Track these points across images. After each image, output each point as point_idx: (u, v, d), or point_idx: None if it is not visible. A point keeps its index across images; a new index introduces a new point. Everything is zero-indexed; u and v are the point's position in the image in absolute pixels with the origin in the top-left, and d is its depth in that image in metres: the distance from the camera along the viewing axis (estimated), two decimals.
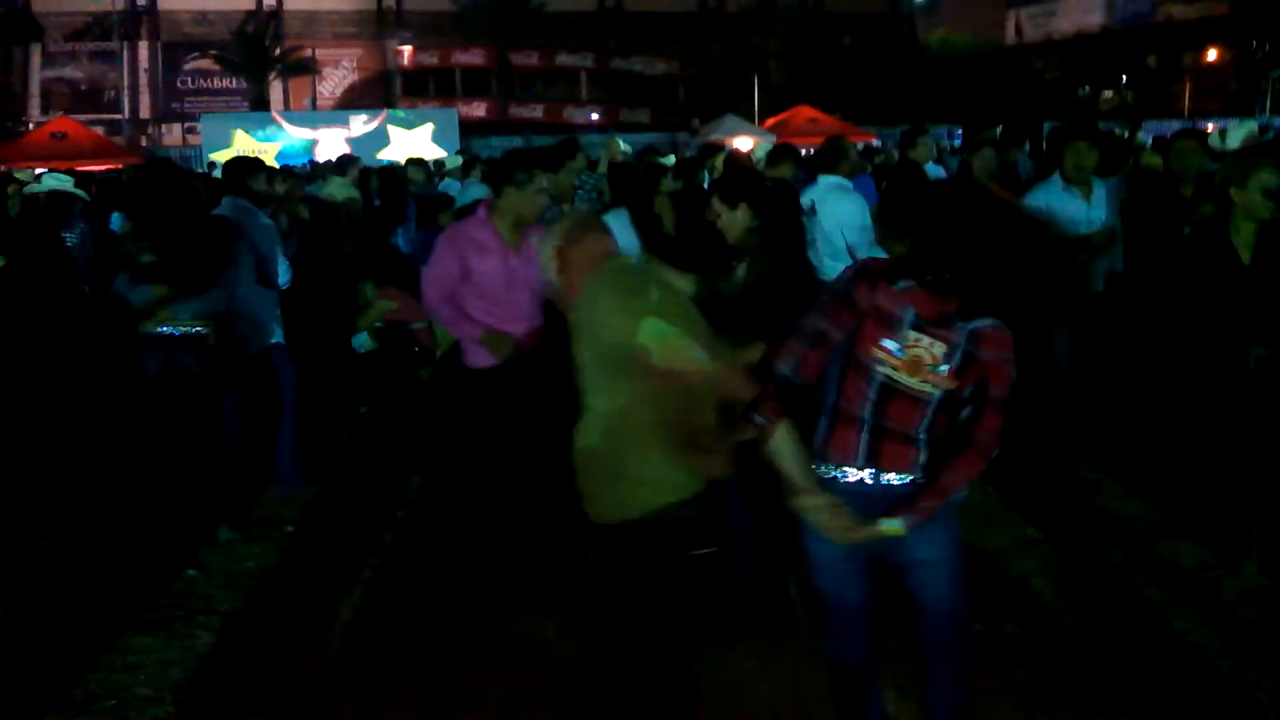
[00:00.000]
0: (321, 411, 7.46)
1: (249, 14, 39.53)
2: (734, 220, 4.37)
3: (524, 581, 5.07)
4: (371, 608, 4.92)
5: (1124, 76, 39.82)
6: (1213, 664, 4.18)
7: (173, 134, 38.47)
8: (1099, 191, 5.87)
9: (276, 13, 40.48)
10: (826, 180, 6.50)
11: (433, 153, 23.82)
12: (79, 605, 4.92)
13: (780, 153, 7.14)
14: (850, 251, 6.24)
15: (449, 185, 11.66)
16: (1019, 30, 44.02)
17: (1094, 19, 40.48)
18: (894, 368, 2.98)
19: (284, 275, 6.45)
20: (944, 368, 2.96)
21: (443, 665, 4.34)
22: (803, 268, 5.05)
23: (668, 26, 44.23)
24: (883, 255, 6.19)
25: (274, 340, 6.38)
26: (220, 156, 25.34)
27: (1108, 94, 40.17)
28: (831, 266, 6.12)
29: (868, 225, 6.26)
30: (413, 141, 28.79)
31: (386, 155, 26.97)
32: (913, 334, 2.95)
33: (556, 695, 4.03)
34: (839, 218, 6.29)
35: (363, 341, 7.89)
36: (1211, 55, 36.23)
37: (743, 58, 41.70)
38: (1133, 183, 6.81)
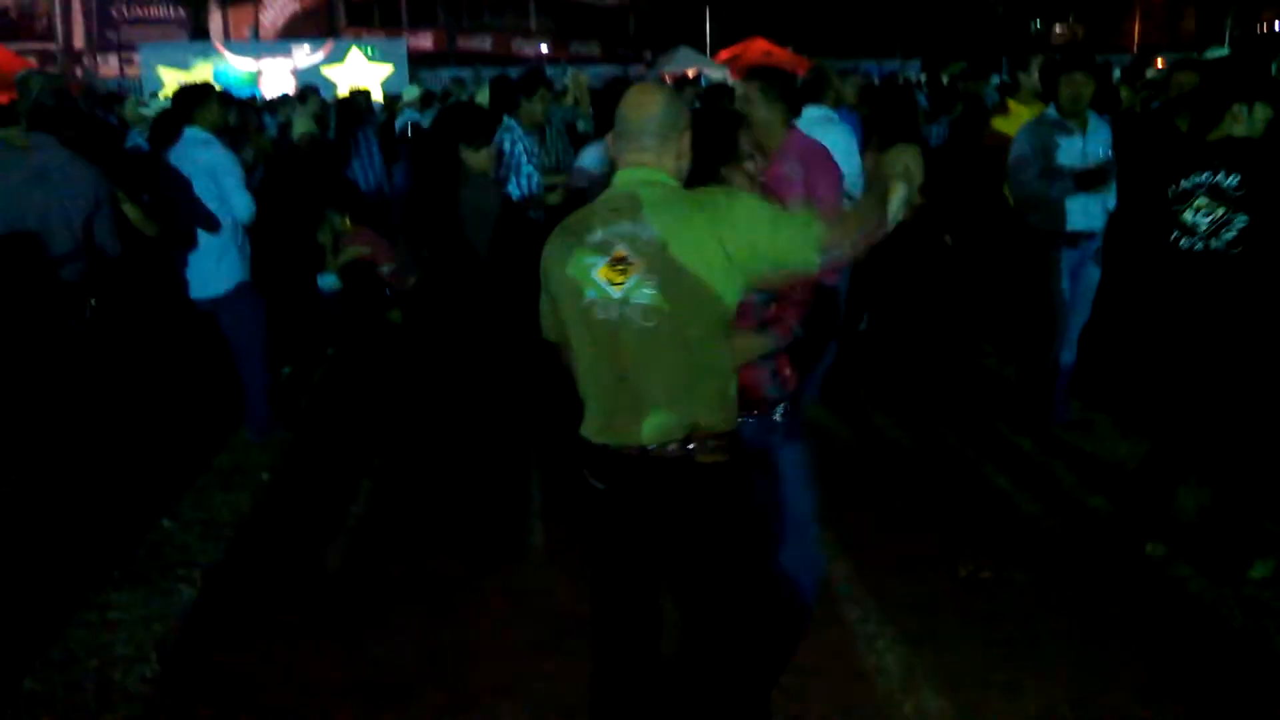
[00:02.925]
0: (288, 353, 7.25)
1: None
2: None
3: (513, 529, 4.97)
4: (357, 557, 4.77)
5: (1072, 11, 39.81)
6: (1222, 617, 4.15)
7: (109, 64, 37.20)
8: (1094, 125, 5.75)
9: None
10: (811, 112, 6.31)
11: (370, 82, 23.21)
12: (50, 560, 4.71)
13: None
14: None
15: (409, 116, 11.33)
16: None
17: None
18: None
19: (247, 210, 6.11)
20: None
21: (434, 617, 4.22)
22: None
23: None
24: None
25: (236, 281, 6.11)
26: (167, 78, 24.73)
27: (1059, 28, 40.11)
28: None
29: (855, 156, 6.10)
30: (368, 74, 28.03)
31: (340, 78, 26.38)
32: None
33: (553, 646, 3.92)
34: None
35: (330, 283, 7.64)
36: None
37: None
38: (1120, 118, 6.69)
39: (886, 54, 30.95)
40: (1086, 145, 5.66)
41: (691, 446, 2.60)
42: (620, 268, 2.54)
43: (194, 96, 6.29)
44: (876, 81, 13.03)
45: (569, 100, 9.11)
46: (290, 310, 7.19)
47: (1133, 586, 4.30)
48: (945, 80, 13.60)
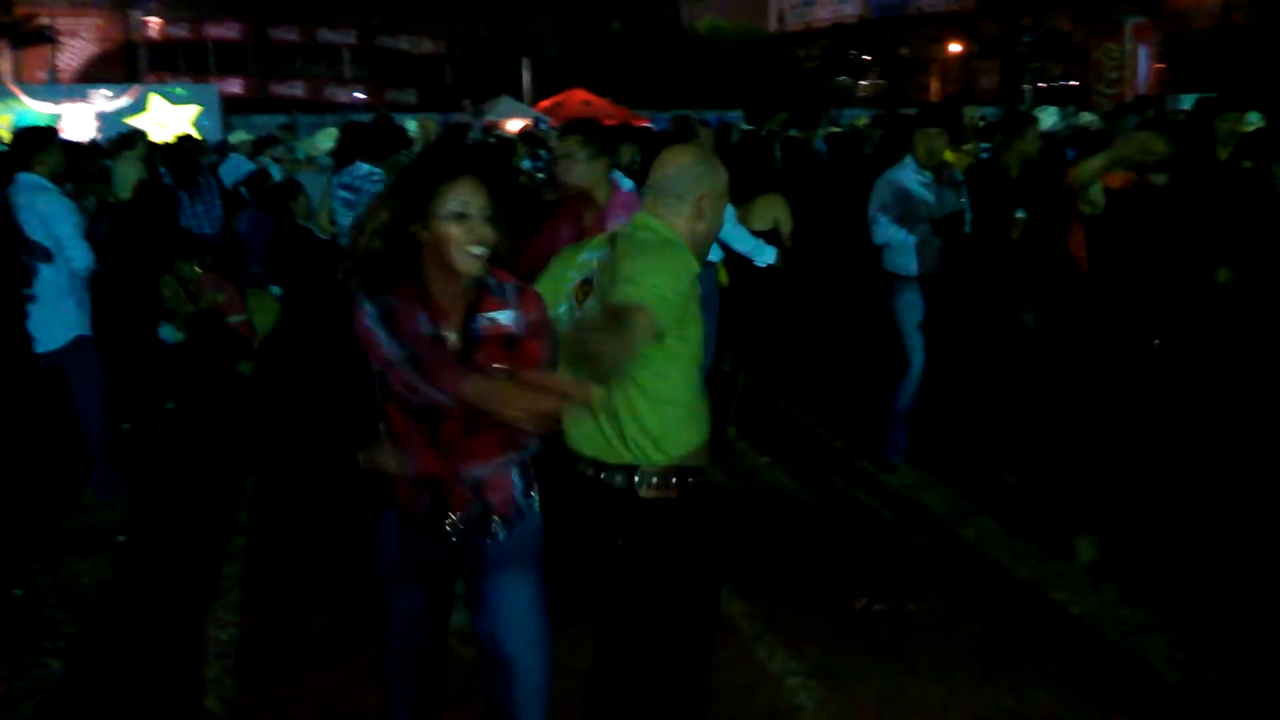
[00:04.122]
0: (129, 408, 6.88)
1: None
2: None
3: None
4: (236, 619, 4.53)
5: (877, 66, 41.69)
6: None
7: None
8: (949, 176, 6.03)
9: None
10: None
11: (183, 128, 22.42)
12: None
13: (623, 135, 7.03)
14: None
15: (238, 162, 11.00)
16: (781, 18, 45.39)
17: (851, 9, 42.14)
18: None
19: (85, 259, 5.79)
20: None
21: (335, 679, 4.03)
22: None
23: (433, 5, 43.24)
24: (746, 236, 6.21)
25: (75, 333, 5.79)
26: None
27: (864, 82, 41.92)
28: None
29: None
30: (174, 117, 27.03)
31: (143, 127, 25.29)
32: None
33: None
34: None
35: (172, 334, 7.30)
36: (956, 48, 38.36)
37: (510, 39, 41.26)
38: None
39: (703, 105, 31.71)
40: (943, 195, 5.93)
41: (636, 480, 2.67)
42: (585, 288, 2.73)
43: (34, 140, 5.97)
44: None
45: (418, 148, 9.01)
46: (130, 363, 6.85)
47: (1013, 607, 4.48)
48: (764, 131, 14.00)
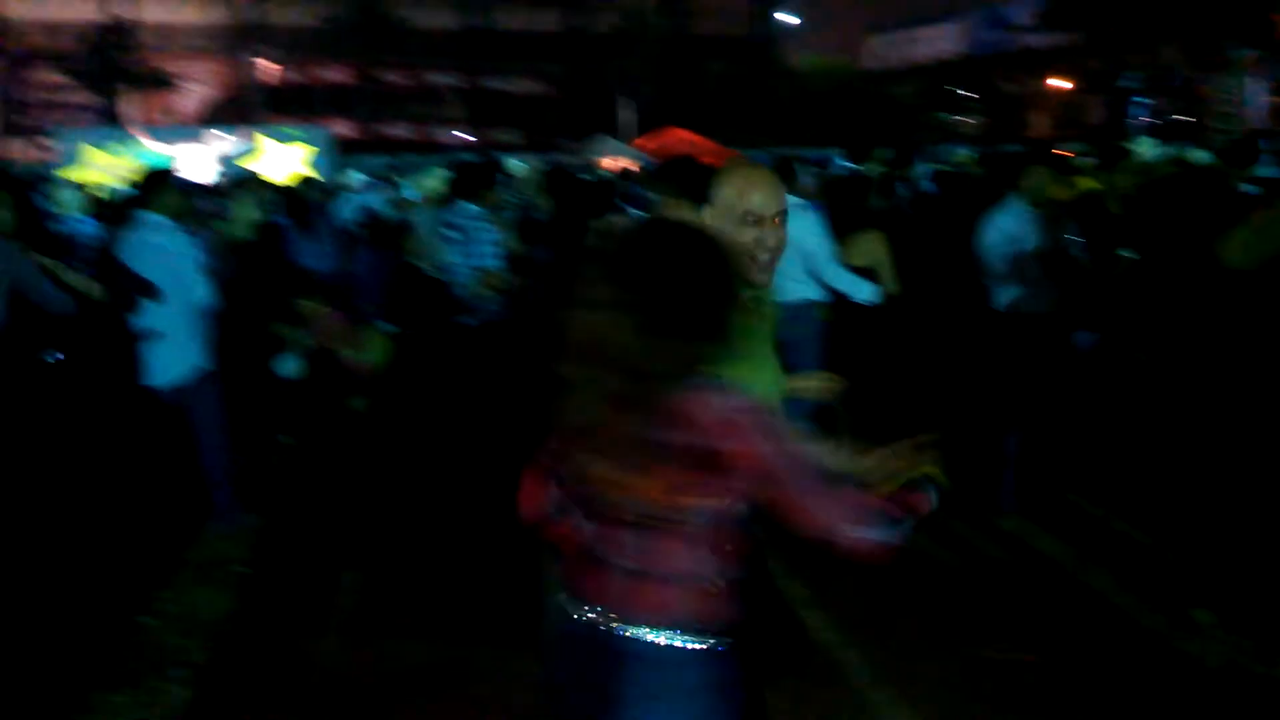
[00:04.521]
0: (248, 440, 7.08)
1: (101, 26, 37.84)
2: None
3: (511, 612, 4.87)
4: (349, 650, 4.62)
5: (980, 103, 41.31)
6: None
7: (15, 148, 36.62)
8: (1057, 213, 5.96)
9: (129, 25, 38.84)
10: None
11: (299, 170, 23.10)
12: (38, 657, 4.51)
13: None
14: (814, 274, 6.21)
15: (350, 201, 11.28)
16: (879, 56, 45.29)
17: (952, 46, 41.88)
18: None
19: (206, 295, 5.99)
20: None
21: (444, 711, 4.09)
22: None
23: (533, 47, 44.08)
24: (845, 273, 6.20)
25: (198, 367, 5.99)
26: (73, 173, 24.15)
27: (966, 119, 41.57)
28: (793, 289, 6.05)
29: (826, 241, 6.23)
30: (285, 158, 27.90)
31: (257, 170, 26.07)
32: None
33: None
34: (800, 238, 6.24)
35: (290, 369, 7.51)
36: (1063, 83, 37.87)
37: (610, 79, 41.84)
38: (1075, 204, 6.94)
39: (800, 142, 31.69)
40: (1050, 232, 5.87)
41: None
42: None
43: (155, 180, 6.21)
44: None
45: (526, 190, 9.16)
46: (249, 398, 7.05)
47: (1137, 657, 4.36)
48: (871, 168, 13.94)
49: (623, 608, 2.16)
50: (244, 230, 7.67)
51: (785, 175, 6.70)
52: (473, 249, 6.89)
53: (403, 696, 4.20)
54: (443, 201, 7.48)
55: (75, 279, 5.06)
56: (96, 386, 6.45)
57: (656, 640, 2.14)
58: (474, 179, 7.23)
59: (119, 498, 6.20)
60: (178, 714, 4.11)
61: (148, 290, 5.79)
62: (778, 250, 2.71)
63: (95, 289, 5.34)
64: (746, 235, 2.66)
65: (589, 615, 2.20)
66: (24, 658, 4.51)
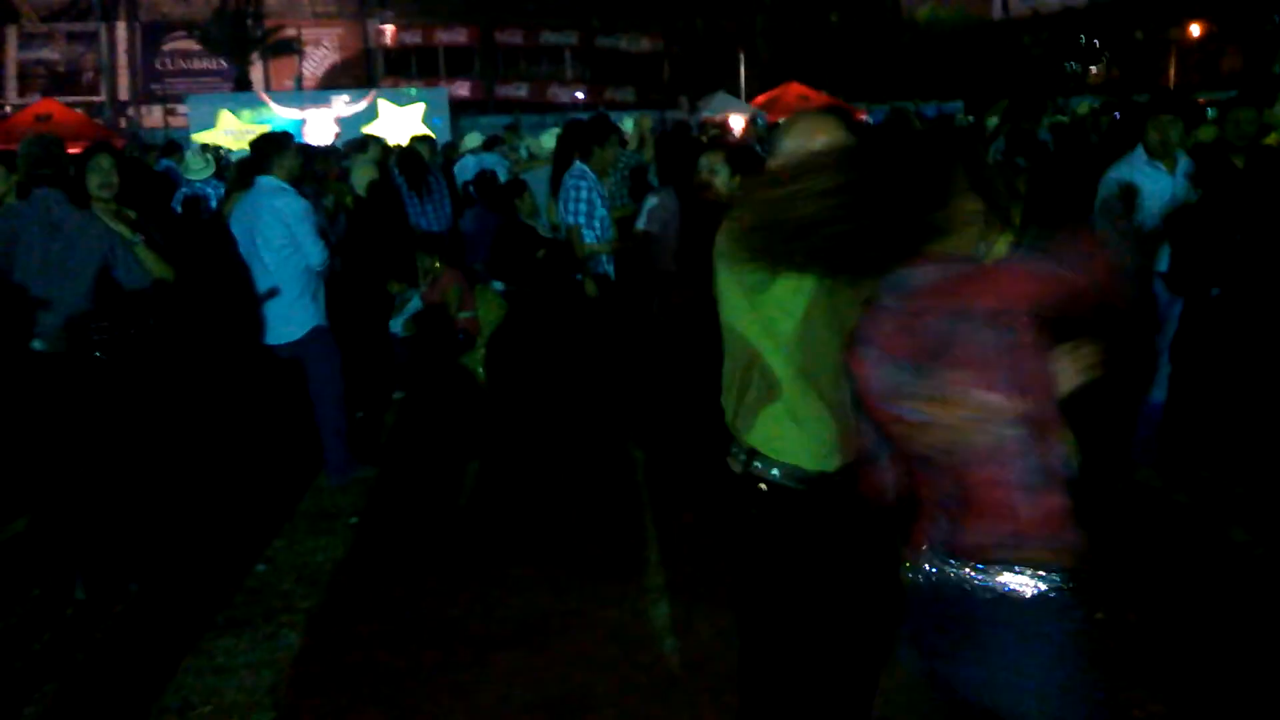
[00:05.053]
0: (361, 397, 7.26)
1: None
2: None
3: (617, 565, 4.93)
4: (458, 601, 4.72)
5: (1108, 52, 39.79)
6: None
7: (153, 115, 37.84)
8: (1182, 166, 5.70)
9: None
10: None
11: (420, 129, 23.45)
12: (154, 603, 4.72)
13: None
14: None
15: (469, 163, 11.40)
16: (1005, 5, 43.88)
17: None
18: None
19: (320, 256, 6.12)
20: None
21: (546, 661, 4.16)
22: None
23: (652, 3, 43.81)
24: None
25: (312, 325, 6.14)
26: (205, 137, 24.90)
27: (1094, 69, 40.10)
28: None
29: None
30: (403, 120, 28.36)
31: (376, 132, 26.56)
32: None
33: (674, 690, 3.88)
34: None
35: (403, 325, 7.67)
36: (1195, 30, 36.23)
37: (727, 35, 41.39)
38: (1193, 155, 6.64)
39: (922, 96, 30.96)
40: (1176, 186, 5.62)
41: None
42: None
43: (271, 145, 6.35)
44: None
45: (633, 146, 9.14)
46: (362, 355, 7.23)
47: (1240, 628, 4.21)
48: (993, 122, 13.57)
49: (963, 549, 2.09)
50: (360, 191, 7.84)
51: (901, 126, 6.57)
52: (584, 207, 6.92)
53: (505, 645, 4.27)
54: (558, 160, 7.50)
55: (147, 257, 5.12)
56: (215, 345, 6.66)
57: (1002, 580, 2.05)
58: (587, 137, 7.23)
59: (238, 451, 6.42)
60: (288, 658, 4.25)
61: (272, 271, 5.96)
62: None
63: (165, 270, 5.33)
64: None
65: (932, 564, 2.14)
66: (142, 602, 4.73)
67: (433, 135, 11.60)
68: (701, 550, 4.94)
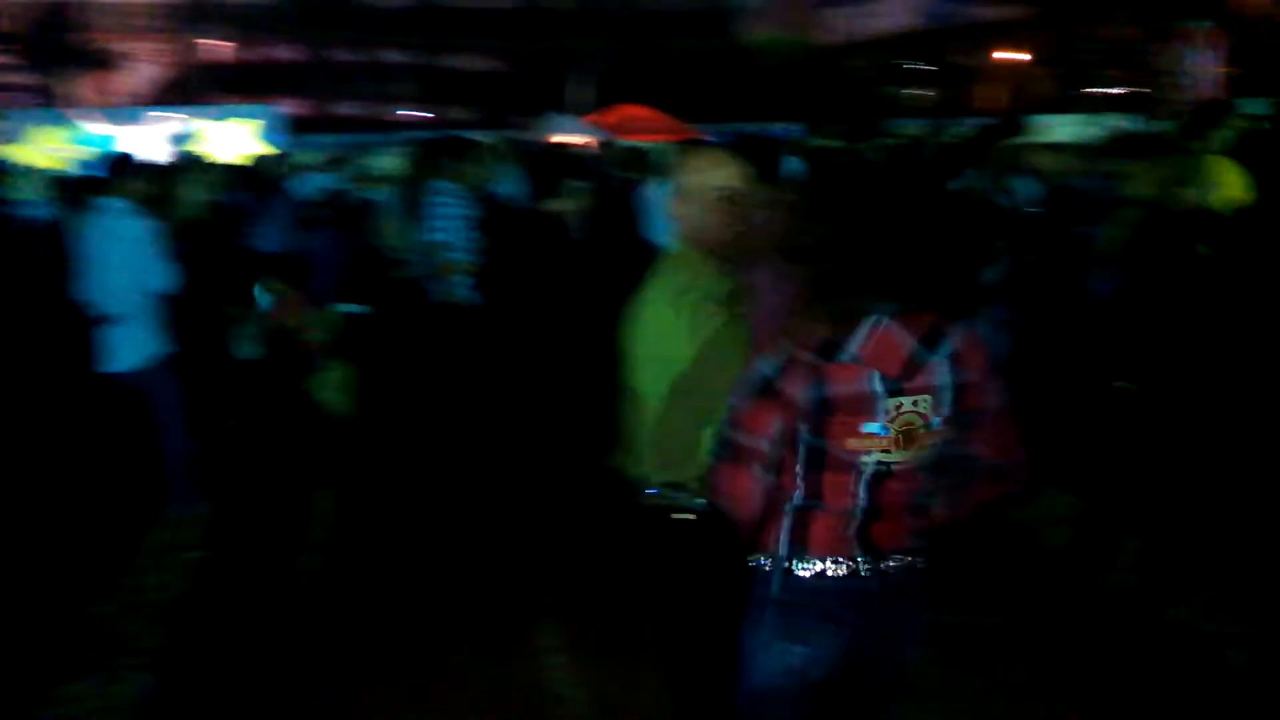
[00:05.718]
0: (202, 424, 6.96)
1: (46, 4, 37.04)
2: None
3: (479, 605, 4.83)
4: (309, 640, 4.54)
5: (931, 75, 41.42)
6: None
7: None
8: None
9: (75, 2, 38.05)
10: None
11: (253, 148, 22.81)
12: None
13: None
14: None
15: (308, 181, 11.10)
16: (834, 30, 45.27)
17: (905, 20, 41.94)
18: (884, 450, 2.42)
19: (165, 280, 5.88)
20: (937, 419, 2.44)
21: (407, 702, 4.03)
22: None
23: (487, 23, 43.72)
24: None
25: (157, 351, 5.88)
26: (17, 153, 23.68)
27: (918, 91, 41.65)
28: None
29: None
30: (232, 137, 27.46)
31: (204, 150, 25.65)
32: (892, 403, 2.40)
33: None
34: None
35: (247, 350, 7.38)
36: (1013, 56, 38.05)
37: (566, 55, 41.57)
38: None
39: (760, 118, 31.60)
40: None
41: None
42: None
43: (112, 164, 6.11)
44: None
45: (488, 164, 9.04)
46: (205, 381, 6.94)
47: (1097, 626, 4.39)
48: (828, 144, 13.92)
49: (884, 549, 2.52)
50: (193, 211, 7.53)
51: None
52: (455, 224, 6.83)
53: (359, 683, 4.14)
54: (413, 180, 7.38)
55: None
56: (53, 373, 6.33)
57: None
58: (452, 156, 7.13)
59: (75, 485, 6.09)
60: (137, 701, 4.03)
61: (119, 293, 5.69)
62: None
63: None
64: (715, 216, 2.74)
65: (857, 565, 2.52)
66: None
67: (278, 152, 11.24)
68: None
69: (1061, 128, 15.24)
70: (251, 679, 4.18)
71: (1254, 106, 8.85)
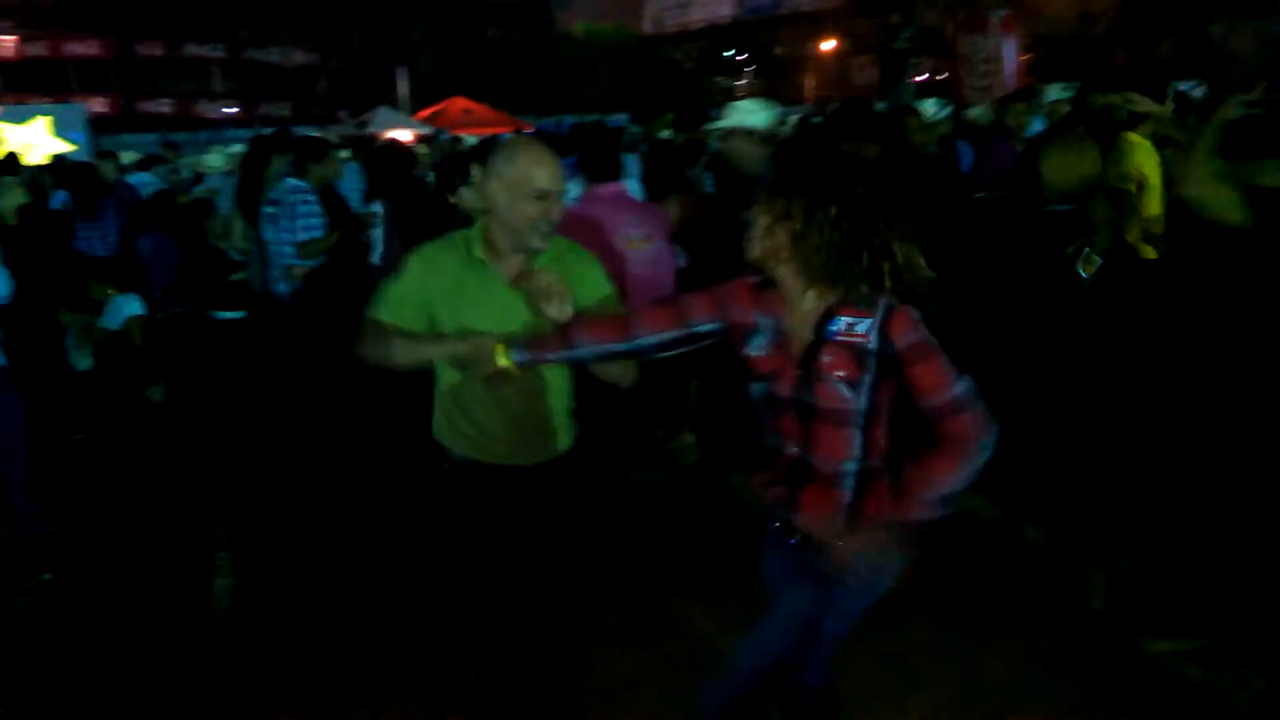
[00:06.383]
0: (40, 440, 6.61)
1: None
2: None
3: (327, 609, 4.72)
4: (169, 662, 4.36)
5: (753, 66, 42.30)
6: None
7: None
8: None
9: None
10: None
11: (54, 148, 21.69)
12: None
13: None
14: None
15: (140, 180, 10.65)
16: (655, 21, 45.74)
17: (724, 11, 42.68)
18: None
19: (6, 288, 5.56)
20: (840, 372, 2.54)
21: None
22: None
23: (304, 15, 42.44)
24: None
25: None
26: None
27: (740, 83, 42.48)
28: None
29: None
30: (28, 139, 25.88)
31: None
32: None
33: None
34: None
35: (81, 360, 7.06)
36: (830, 45, 39.19)
37: (385, 48, 40.79)
38: None
39: (584, 109, 31.66)
40: None
41: None
42: None
43: None
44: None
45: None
46: (41, 394, 6.60)
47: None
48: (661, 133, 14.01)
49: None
50: (9, 218, 7.16)
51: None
52: (315, 221, 6.68)
53: (227, 706, 4.02)
54: (248, 178, 7.18)
55: None
56: None
57: None
58: (303, 153, 6.95)
59: None
60: None
61: None
62: (557, 222, 2.91)
63: None
64: (531, 209, 2.86)
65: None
66: None
67: (114, 154, 10.72)
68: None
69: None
70: (116, 709, 4.00)
71: (1052, 93, 9.20)
